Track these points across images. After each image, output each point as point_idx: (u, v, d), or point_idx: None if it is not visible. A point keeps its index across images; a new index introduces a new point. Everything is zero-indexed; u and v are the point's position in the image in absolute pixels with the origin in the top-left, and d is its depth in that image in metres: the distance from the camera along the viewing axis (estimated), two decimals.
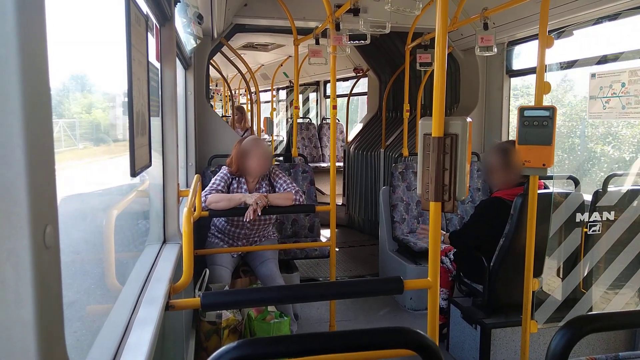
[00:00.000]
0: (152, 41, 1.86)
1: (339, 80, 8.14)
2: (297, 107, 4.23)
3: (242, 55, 7.54)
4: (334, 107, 2.99)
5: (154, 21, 1.93)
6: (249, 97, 7.20)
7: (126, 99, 1.37)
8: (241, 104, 9.81)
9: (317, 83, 8.74)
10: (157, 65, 1.99)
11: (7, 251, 0.51)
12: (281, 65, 7.98)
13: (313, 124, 8.59)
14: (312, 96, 9.29)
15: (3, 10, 0.49)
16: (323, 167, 7.63)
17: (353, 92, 7.38)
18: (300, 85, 9.15)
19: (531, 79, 3.96)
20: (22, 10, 0.50)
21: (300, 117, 8.77)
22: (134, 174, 1.34)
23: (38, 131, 0.53)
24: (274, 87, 8.50)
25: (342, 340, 0.79)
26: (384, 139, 5.33)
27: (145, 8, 1.66)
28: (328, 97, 8.63)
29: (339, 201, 6.80)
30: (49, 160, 0.57)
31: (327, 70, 7.59)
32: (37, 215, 0.52)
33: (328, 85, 8.61)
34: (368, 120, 6.19)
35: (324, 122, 8.46)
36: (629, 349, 2.75)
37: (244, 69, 6.20)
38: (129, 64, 1.28)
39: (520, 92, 4.97)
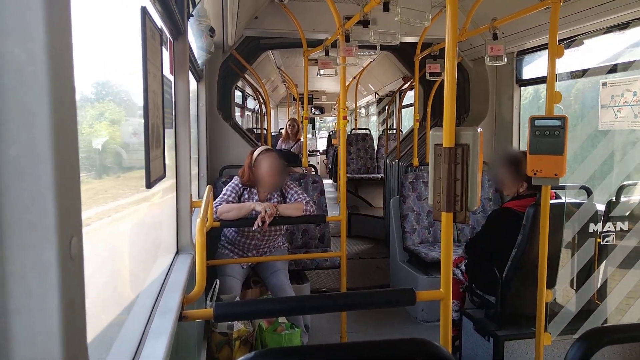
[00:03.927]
0: (165, 54, 1.89)
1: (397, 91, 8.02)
2: (306, 118, 4.28)
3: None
4: (344, 118, 3.01)
5: (168, 35, 1.97)
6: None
7: None
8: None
9: (391, 93, 8.38)
10: (171, 78, 2.02)
11: (33, 261, 0.52)
12: (355, 79, 8.03)
13: (370, 135, 8.40)
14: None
15: (33, 28, 0.51)
16: (373, 178, 7.44)
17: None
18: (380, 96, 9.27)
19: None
20: (50, 27, 0.52)
21: (359, 129, 8.89)
22: (149, 185, 1.36)
23: (64, 144, 0.55)
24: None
25: (358, 351, 0.79)
26: (398, 149, 5.29)
27: (159, 22, 1.69)
28: (404, 107, 8.43)
29: (381, 214, 6.62)
30: (75, 173, 0.59)
31: (395, 78, 7.48)
32: (64, 227, 0.53)
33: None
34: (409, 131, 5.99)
35: (383, 133, 8.20)
36: None
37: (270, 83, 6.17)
38: (145, 78, 1.31)
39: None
